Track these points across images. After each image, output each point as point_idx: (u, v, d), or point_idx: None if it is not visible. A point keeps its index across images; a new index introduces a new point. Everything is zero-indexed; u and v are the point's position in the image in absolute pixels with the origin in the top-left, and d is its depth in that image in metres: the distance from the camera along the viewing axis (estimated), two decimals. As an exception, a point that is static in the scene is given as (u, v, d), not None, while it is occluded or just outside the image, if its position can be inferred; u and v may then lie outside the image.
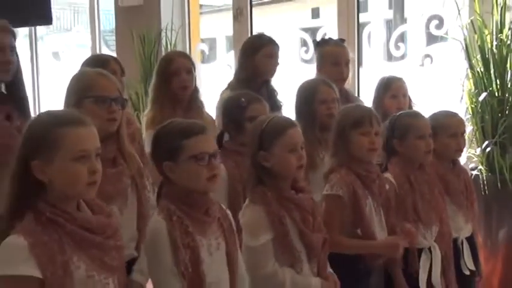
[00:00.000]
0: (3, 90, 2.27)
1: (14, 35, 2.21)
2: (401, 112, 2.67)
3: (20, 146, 1.57)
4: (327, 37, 3.35)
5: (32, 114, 2.32)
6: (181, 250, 1.73)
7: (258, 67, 3.23)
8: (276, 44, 3.33)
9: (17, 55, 2.22)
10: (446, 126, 2.64)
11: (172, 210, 1.77)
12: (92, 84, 2.09)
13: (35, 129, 1.57)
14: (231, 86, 3.28)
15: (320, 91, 2.71)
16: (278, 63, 3.33)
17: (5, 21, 2.22)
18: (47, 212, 1.51)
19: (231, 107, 2.62)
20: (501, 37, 3.62)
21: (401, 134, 2.50)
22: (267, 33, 3.55)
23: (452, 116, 2.74)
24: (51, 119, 1.58)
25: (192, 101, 3.09)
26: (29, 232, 1.48)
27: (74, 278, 1.49)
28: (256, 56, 3.23)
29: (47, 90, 6.88)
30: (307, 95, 2.74)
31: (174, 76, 3.02)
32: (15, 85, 2.25)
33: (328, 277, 2.10)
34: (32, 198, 1.53)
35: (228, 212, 1.95)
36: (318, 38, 3.39)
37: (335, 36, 3.64)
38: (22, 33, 6.90)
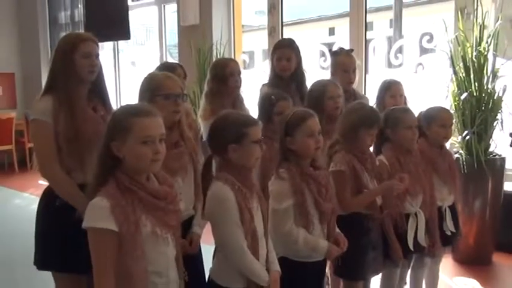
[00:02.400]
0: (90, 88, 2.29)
1: (97, 44, 2.21)
2: (394, 107, 2.61)
3: (106, 130, 1.60)
4: (339, 48, 3.26)
5: (114, 107, 2.34)
6: (246, 211, 1.75)
7: (275, 68, 3.09)
8: (284, 47, 3.06)
9: (99, 60, 2.24)
10: (438, 118, 2.59)
11: (233, 181, 1.78)
12: (161, 85, 2.09)
13: (115, 117, 1.60)
14: (268, 82, 3.16)
15: (328, 89, 2.64)
16: (291, 62, 3.03)
17: (90, 33, 2.22)
18: (125, 181, 1.54)
19: (264, 102, 2.61)
20: (480, 49, 3.59)
21: (393, 125, 2.45)
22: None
23: (445, 111, 2.69)
24: (127, 110, 1.61)
25: (237, 96, 3.07)
26: (111, 196, 1.51)
27: (143, 233, 1.52)
28: (273, 59, 3.10)
29: (126, 90, 7.00)
30: (318, 93, 2.66)
31: (229, 77, 2.97)
32: (99, 84, 2.26)
33: (336, 237, 2.08)
34: (112, 171, 1.56)
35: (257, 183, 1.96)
36: (333, 49, 3.29)
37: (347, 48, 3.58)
38: (108, 47, 7.02)
